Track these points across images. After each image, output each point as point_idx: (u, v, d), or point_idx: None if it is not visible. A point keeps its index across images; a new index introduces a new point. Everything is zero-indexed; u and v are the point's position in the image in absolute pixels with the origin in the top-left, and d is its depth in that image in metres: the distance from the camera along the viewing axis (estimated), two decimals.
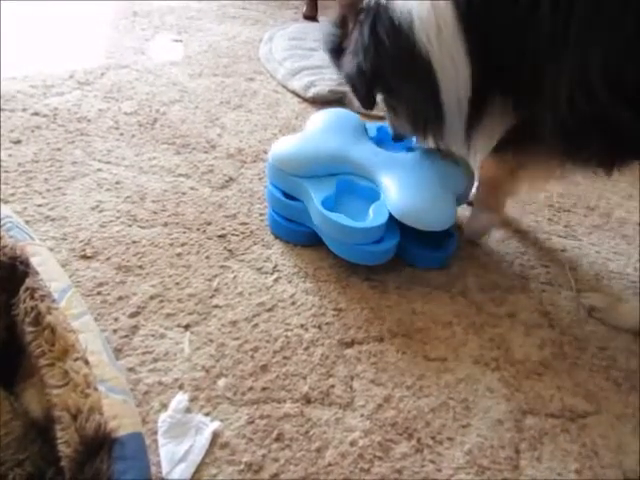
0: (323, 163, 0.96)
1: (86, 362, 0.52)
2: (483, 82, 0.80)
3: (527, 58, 0.75)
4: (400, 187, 0.92)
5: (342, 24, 0.92)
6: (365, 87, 0.91)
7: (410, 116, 0.92)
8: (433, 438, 0.71)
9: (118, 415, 0.49)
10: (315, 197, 0.90)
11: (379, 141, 1.06)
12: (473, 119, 0.85)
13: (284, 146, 0.99)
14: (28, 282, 0.59)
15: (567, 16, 0.70)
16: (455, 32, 0.77)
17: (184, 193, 1.04)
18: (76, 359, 0.52)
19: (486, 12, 0.75)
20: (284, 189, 0.96)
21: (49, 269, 0.62)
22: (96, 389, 0.50)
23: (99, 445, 0.46)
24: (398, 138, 1.03)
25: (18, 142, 1.09)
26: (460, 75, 0.80)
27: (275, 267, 0.92)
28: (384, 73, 0.86)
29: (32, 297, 0.57)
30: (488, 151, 0.92)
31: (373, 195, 0.95)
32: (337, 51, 0.94)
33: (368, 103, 0.94)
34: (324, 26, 0.96)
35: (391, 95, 0.92)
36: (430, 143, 0.94)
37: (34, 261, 0.61)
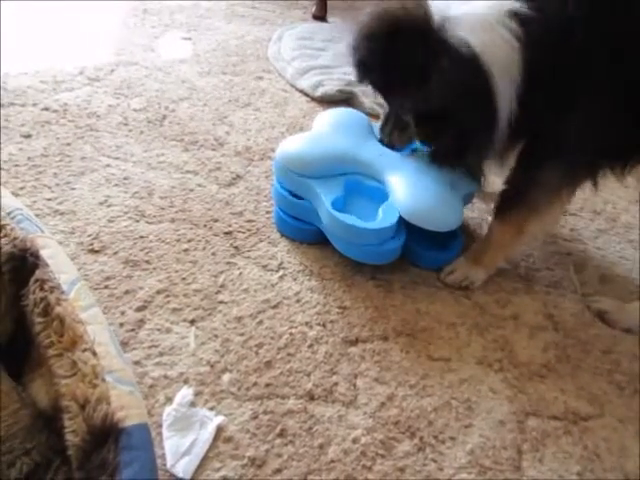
0: (331, 163, 0.97)
1: (94, 353, 0.53)
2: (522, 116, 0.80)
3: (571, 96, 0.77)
4: (408, 187, 0.92)
5: (372, 38, 0.85)
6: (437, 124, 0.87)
7: (455, 145, 0.89)
8: (435, 437, 0.72)
9: (125, 406, 0.50)
10: (325, 198, 0.90)
11: None
12: (506, 147, 0.86)
13: (291, 145, 0.99)
14: (38, 274, 0.59)
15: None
16: (515, 72, 0.77)
17: (191, 190, 1.05)
18: (84, 350, 0.53)
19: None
20: (291, 189, 0.97)
21: (59, 261, 0.63)
22: (104, 380, 0.51)
23: (106, 435, 0.47)
24: (390, 146, 0.99)
25: (28, 136, 1.10)
26: (509, 107, 0.79)
27: (280, 264, 0.93)
28: (457, 108, 0.82)
29: (42, 288, 0.58)
30: (498, 173, 0.94)
31: (380, 195, 0.95)
32: (365, 65, 0.88)
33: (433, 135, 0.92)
34: (350, 37, 0.89)
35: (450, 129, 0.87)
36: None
37: (44, 253, 0.62)
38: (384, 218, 0.90)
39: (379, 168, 0.97)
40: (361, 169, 0.98)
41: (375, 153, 0.99)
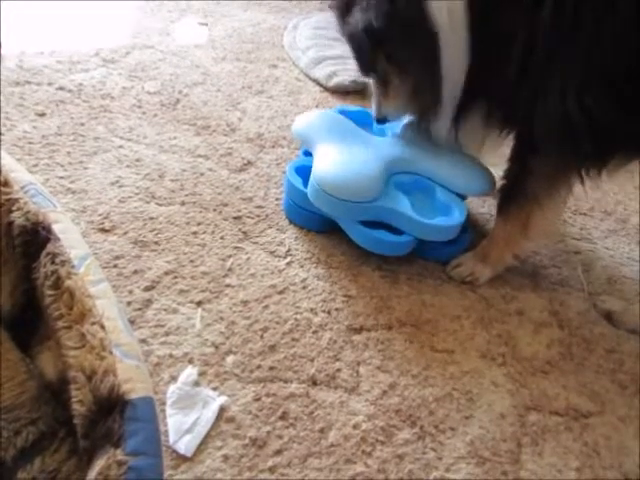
0: (386, 176, 0.94)
1: (102, 327, 0.54)
2: (476, 76, 0.80)
3: (522, 60, 0.75)
4: (452, 164, 0.96)
5: None
6: (371, 48, 0.87)
7: (408, 89, 0.90)
8: (436, 427, 0.72)
9: (131, 379, 0.50)
10: (405, 210, 0.89)
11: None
12: (460, 110, 0.86)
13: (343, 180, 0.89)
14: (49, 247, 0.60)
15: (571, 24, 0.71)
16: (462, 18, 0.76)
17: (202, 174, 1.06)
18: (93, 323, 0.53)
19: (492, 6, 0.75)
20: (366, 218, 0.91)
21: (70, 237, 0.63)
22: (111, 353, 0.51)
23: (112, 406, 0.48)
24: (381, 120, 1.00)
25: (43, 115, 1.10)
26: (460, 61, 0.79)
27: (288, 251, 0.93)
28: (393, 37, 0.83)
29: (53, 262, 0.59)
30: (473, 147, 0.95)
31: (413, 185, 0.96)
32: (342, 7, 0.89)
33: (369, 66, 0.92)
34: None
35: (392, 62, 0.89)
36: (419, 121, 0.95)
37: (56, 228, 0.63)
38: (459, 213, 0.92)
39: (412, 159, 0.97)
40: (399, 167, 0.97)
41: (392, 147, 0.99)
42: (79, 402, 0.49)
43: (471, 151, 0.98)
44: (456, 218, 0.91)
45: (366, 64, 0.93)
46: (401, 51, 0.85)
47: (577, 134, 0.77)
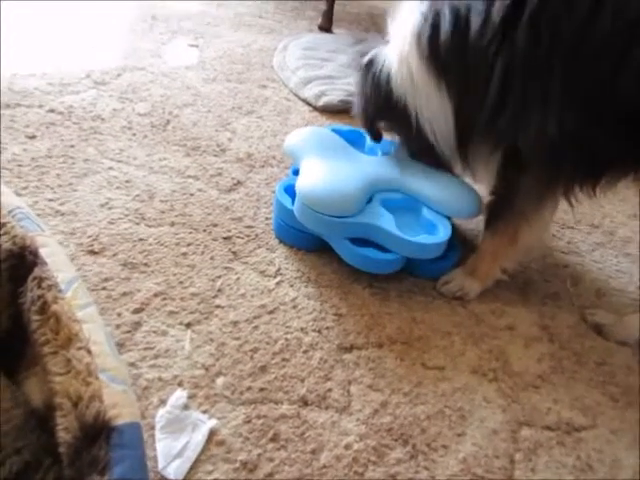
0: (367, 193, 0.95)
1: (88, 351, 0.53)
2: (467, 115, 0.85)
3: (501, 89, 0.79)
4: (439, 187, 0.97)
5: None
6: (368, 124, 1.02)
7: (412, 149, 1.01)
8: (428, 445, 0.71)
9: (117, 404, 0.50)
10: (389, 228, 0.90)
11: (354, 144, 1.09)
12: (462, 149, 0.91)
13: (325, 196, 0.90)
14: (36, 271, 0.60)
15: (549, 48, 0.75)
16: (424, 74, 0.85)
17: (192, 194, 1.06)
18: (79, 348, 0.53)
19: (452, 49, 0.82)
20: (351, 235, 0.92)
21: (57, 260, 0.63)
22: (97, 378, 0.51)
23: (98, 432, 0.47)
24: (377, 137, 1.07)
25: (33, 137, 1.11)
26: (441, 113, 0.87)
27: (278, 270, 0.94)
28: (382, 117, 0.99)
29: (39, 286, 0.58)
30: (488, 176, 0.96)
31: (396, 203, 0.97)
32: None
33: (374, 137, 1.04)
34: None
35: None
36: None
37: (43, 252, 0.63)
38: (444, 231, 0.92)
39: (398, 177, 0.99)
40: (384, 185, 0.98)
41: (380, 165, 1.01)
42: (64, 429, 0.49)
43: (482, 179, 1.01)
44: (440, 236, 0.92)
45: (371, 136, 1.06)
46: (392, 126, 1.01)
47: (560, 155, 0.79)
